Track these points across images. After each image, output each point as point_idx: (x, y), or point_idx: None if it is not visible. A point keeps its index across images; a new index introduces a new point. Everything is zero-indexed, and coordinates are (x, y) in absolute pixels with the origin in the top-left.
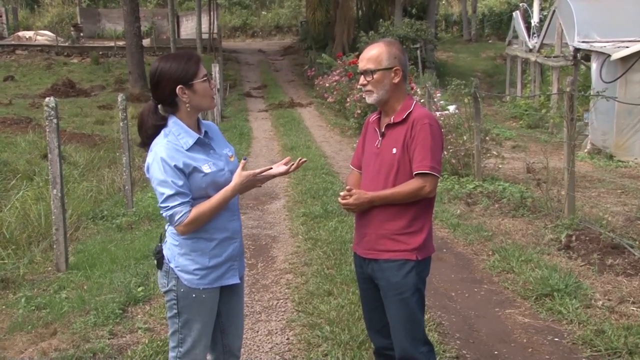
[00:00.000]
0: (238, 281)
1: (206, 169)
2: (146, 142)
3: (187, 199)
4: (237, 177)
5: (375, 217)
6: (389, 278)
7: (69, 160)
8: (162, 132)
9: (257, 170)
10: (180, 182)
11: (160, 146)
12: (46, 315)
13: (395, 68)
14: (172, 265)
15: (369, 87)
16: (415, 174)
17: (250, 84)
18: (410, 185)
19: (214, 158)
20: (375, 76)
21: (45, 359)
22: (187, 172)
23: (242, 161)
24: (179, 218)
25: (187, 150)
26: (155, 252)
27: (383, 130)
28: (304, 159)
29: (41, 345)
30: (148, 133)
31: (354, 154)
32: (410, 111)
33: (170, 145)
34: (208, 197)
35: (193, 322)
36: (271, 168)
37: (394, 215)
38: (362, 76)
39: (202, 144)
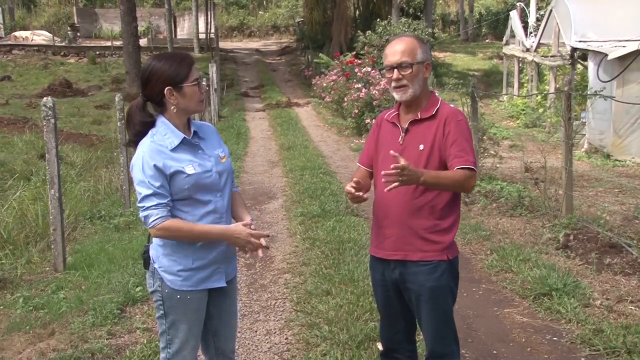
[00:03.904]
0: (224, 284)
1: (190, 170)
2: (134, 140)
3: (164, 201)
4: (236, 228)
5: (401, 216)
6: (423, 282)
7: (66, 160)
8: (150, 132)
9: (253, 233)
10: (158, 183)
11: (144, 146)
12: (44, 316)
13: (426, 62)
14: (156, 265)
15: (404, 82)
16: (458, 169)
17: (248, 84)
18: (460, 174)
19: (201, 159)
20: (413, 69)
21: (43, 359)
22: (167, 174)
23: (253, 229)
24: (153, 221)
25: (172, 150)
26: (142, 252)
27: (406, 126)
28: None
29: (39, 346)
30: (136, 129)
31: (362, 152)
32: (438, 107)
33: (153, 147)
34: (190, 199)
35: (179, 323)
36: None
37: (422, 213)
38: (396, 70)
39: (189, 145)
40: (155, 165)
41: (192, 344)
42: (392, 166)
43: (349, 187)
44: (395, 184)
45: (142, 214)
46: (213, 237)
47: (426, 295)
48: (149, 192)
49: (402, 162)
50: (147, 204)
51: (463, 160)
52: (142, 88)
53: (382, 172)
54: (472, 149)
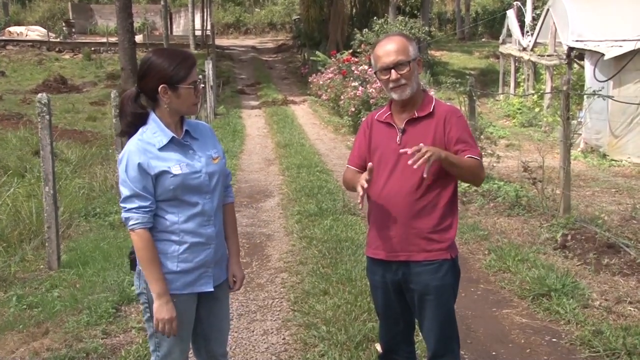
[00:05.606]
0: (211, 289)
1: (176, 170)
2: (126, 131)
3: (146, 203)
4: (166, 310)
5: (403, 216)
6: (428, 282)
7: (61, 157)
8: (140, 129)
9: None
10: (140, 185)
11: (131, 144)
12: (38, 314)
13: (418, 58)
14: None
15: (403, 81)
16: (469, 157)
17: (244, 81)
18: (474, 161)
19: (191, 159)
20: (410, 66)
21: (37, 358)
22: (152, 174)
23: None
24: (132, 224)
25: (160, 149)
26: (129, 252)
27: (403, 126)
28: None
29: (33, 345)
30: (127, 120)
31: (352, 153)
32: (434, 105)
33: (140, 145)
34: (177, 199)
35: None
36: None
37: (424, 213)
38: (393, 71)
39: (179, 144)
40: (139, 165)
41: (181, 347)
42: (409, 151)
43: (363, 184)
44: (427, 164)
45: (123, 215)
46: (150, 284)
47: (431, 295)
48: (130, 193)
49: (417, 146)
50: (128, 205)
51: (471, 153)
52: (138, 80)
53: (408, 152)
54: (475, 144)
